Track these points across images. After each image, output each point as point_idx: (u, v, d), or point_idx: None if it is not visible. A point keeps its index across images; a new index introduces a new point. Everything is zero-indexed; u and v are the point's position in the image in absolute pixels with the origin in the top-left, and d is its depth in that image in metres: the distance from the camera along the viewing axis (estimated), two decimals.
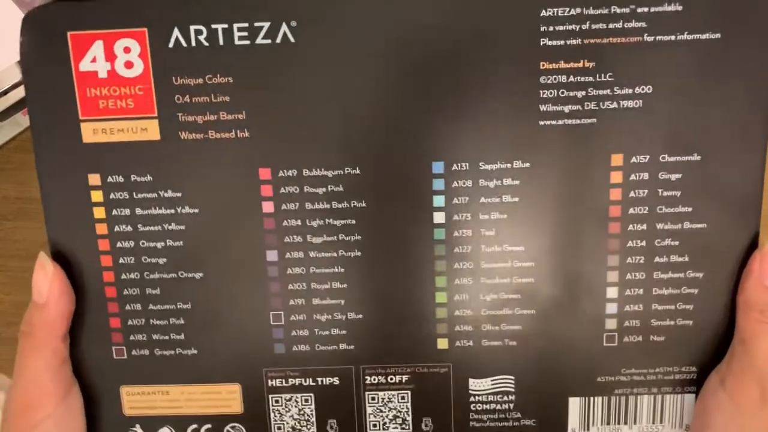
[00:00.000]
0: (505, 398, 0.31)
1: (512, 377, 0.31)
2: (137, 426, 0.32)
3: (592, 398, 0.31)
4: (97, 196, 0.30)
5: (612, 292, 0.30)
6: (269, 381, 0.31)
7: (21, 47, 0.28)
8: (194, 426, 0.32)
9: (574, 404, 0.31)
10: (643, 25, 0.27)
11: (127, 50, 0.28)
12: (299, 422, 0.32)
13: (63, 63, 0.28)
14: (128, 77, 0.28)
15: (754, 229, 0.29)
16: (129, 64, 0.28)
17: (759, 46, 0.28)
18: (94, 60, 0.28)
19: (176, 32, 0.28)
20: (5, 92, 0.46)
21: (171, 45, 0.28)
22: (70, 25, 0.28)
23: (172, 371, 0.31)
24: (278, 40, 0.28)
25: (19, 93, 0.47)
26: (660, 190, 0.29)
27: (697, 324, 0.30)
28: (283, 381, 0.31)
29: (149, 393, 0.32)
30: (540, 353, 0.31)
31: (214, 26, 0.28)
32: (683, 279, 0.30)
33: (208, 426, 0.32)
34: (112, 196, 0.30)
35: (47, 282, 0.29)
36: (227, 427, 0.32)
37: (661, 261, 0.30)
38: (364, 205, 0.29)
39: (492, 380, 0.31)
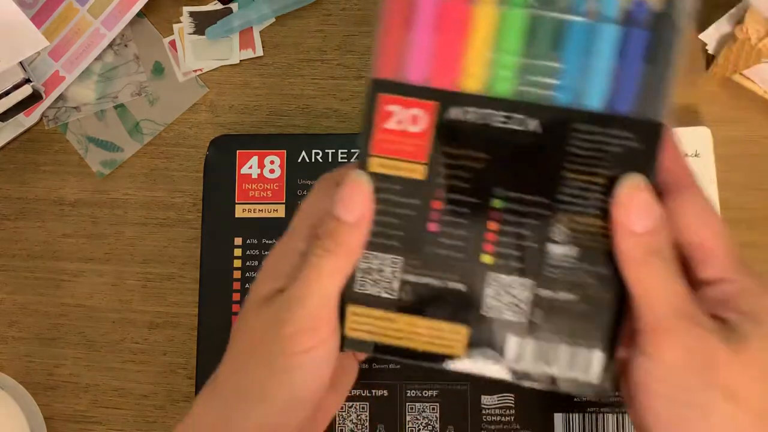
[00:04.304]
0: (508, 412, 0.43)
1: (512, 395, 0.43)
2: None
3: (571, 414, 0.43)
4: (238, 252, 0.45)
5: None
6: None
7: (207, 157, 0.46)
8: None
9: (558, 419, 0.43)
10: None
11: (272, 162, 0.46)
12: (357, 426, 0.43)
13: (231, 168, 0.46)
14: (270, 178, 0.46)
15: None
16: (272, 171, 0.46)
17: None
18: (250, 167, 0.46)
19: (303, 153, 0.46)
20: (7, 93, 0.46)
21: (299, 161, 0.46)
22: (239, 147, 0.47)
23: None
24: None
25: (21, 94, 0.46)
26: None
27: None
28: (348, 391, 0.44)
29: None
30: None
31: (326, 151, 0.46)
32: None
33: None
34: (248, 252, 0.45)
35: (364, 201, 0.28)
36: None
37: None
38: None
39: (498, 397, 0.43)
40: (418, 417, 0.43)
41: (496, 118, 0.29)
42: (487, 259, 0.29)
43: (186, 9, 0.51)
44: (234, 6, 0.50)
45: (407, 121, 0.29)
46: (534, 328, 0.30)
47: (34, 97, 0.48)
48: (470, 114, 0.29)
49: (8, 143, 0.50)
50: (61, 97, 0.50)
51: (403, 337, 0.30)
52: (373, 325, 0.30)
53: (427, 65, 0.29)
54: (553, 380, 0.30)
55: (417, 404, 0.44)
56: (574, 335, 0.29)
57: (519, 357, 0.30)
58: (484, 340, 0.30)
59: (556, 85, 0.28)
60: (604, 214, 0.28)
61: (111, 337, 0.48)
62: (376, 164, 0.29)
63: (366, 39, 0.50)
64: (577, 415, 0.43)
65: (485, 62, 0.28)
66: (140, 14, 0.50)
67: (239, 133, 0.49)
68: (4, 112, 0.48)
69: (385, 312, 0.30)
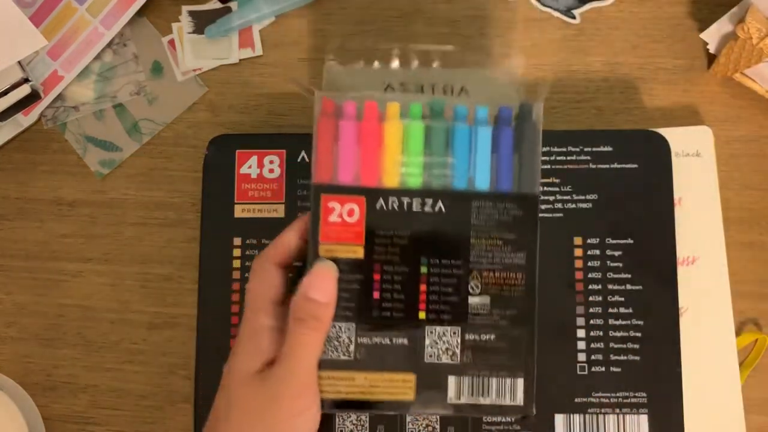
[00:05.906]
0: None
1: None
2: None
3: (571, 415, 0.43)
4: (237, 252, 0.45)
5: (581, 333, 0.43)
6: None
7: (206, 157, 0.46)
8: None
9: (559, 419, 0.43)
10: (589, 158, 0.45)
11: (271, 162, 0.46)
12: (357, 427, 0.43)
13: (230, 167, 0.46)
14: (270, 178, 0.46)
15: (673, 288, 0.43)
16: (271, 171, 0.46)
17: (662, 170, 0.45)
18: (249, 167, 0.46)
19: (303, 153, 0.46)
20: (5, 92, 0.46)
21: (299, 160, 0.46)
22: (238, 146, 0.46)
23: None
24: None
25: (20, 93, 0.46)
26: (608, 262, 0.44)
27: (643, 359, 0.43)
28: None
29: None
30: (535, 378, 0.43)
31: None
32: (630, 325, 0.43)
33: None
34: (247, 252, 0.45)
35: (334, 285, 0.35)
36: None
37: (613, 311, 0.43)
38: None
39: None
40: (419, 418, 0.43)
41: (413, 205, 0.36)
42: (422, 315, 0.36)
43: (185, 8, 0.50)
44: (233, 5, 0.50)
45: (345, 213, 0.36)
46: (466, 368, 0.36)
47: (33, 97, 0.48)
48: (392, 203, 0.36)
49: (6, 143, 0.50)
50: (59, 97, 0.50)
51: (364, 391, 0.36)
52: (338, 386, 0.36)
53: (355, 169, 0.36)
54: (487, 409, 0.36)
55: None
56: (499, 368, 0.36)
57: (458, 393, 0.36)
58: (429, 383, 0.36)
59: (453, 176, 0.36)
60: (504, 268, 0.36)
61: (109, 338, 0.48)
62: (325, 250, 0.36)
63: (366, 39, 0.50)
64: (577, 415, 0.43)
65: (398, 163, 0.36)
66: (139, 13, 0.50)
67: (238, 133, 0.49)
68: (3, 112, 0.47)
69: (345, 372, 0.36)
